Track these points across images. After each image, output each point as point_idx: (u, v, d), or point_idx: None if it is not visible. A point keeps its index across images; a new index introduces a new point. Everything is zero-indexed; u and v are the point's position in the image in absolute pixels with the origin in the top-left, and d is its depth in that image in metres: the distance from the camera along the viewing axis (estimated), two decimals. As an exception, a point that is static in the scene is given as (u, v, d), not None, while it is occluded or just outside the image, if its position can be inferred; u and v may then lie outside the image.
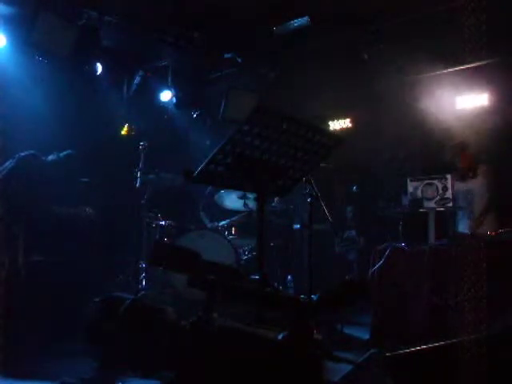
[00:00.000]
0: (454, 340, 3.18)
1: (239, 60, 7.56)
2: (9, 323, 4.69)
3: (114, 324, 2.12)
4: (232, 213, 7.35)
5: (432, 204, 5.41)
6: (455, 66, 7.29)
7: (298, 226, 7.39)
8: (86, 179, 6.22)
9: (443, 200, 5.39)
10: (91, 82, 7.00)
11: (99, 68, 6.89)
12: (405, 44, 6.78)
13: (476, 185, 5.88)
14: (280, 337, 1.82)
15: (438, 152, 7.29)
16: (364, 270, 5.08)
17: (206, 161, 2.71)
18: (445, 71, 7.42)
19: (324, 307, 1.88)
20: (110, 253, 6.67)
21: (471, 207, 5.91)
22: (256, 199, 2.99)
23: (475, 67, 7.14)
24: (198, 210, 7.50)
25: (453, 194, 5.33)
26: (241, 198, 6.86)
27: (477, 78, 7.28)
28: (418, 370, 2.80)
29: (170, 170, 6.89)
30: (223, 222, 7.21)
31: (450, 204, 5.36)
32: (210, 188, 7.31)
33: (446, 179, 5.44)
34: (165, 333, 2.07)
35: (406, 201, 5.76)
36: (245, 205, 6.91)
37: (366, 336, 5.47)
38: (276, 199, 7.03)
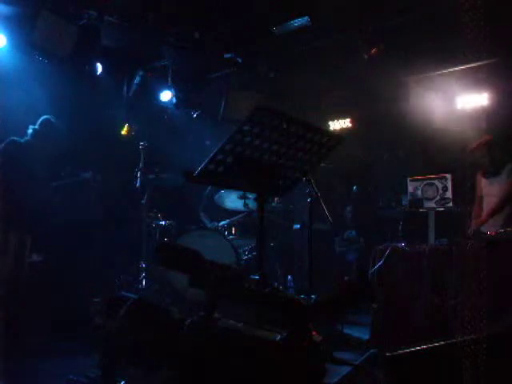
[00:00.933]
0: (454, 340, 3.18)
1: (239, 60, 7.56)
2: (10, 323, 4.69)
3: (117, 323, 2.12)
4: (232, 213, 7.34)
5: (432, 204, 5.41)
6: (455, 66, 7.29)
7: (298, 226, 7.39)
8: (87, 174, 6.20)
9: (443, 200, 5.39)
10: (91, 81, 6.99)
11: (99, 68, 6.89)
12: (405, 44, 6.78)
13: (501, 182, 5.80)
14: (278, 338, 1.82)
15: (438, 152, 7.29)
16: (364, 270, 5.06)
17: (206, 161, 2.71)
18: (445, 71, 7.42)
19: (324, 308, 1.88)
20: (110, 253, 6.67)
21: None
22: (256, 199, 2.99)
23: (475, 67, 7.14)
24: (197, 210, 7.50)
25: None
26: (241, 198, 6.85)
27: (477, 77, 7.28)
28: (418, 370, 2.80)
29: (170, 170, 6.89)
30: (223, 222, 7.20)
31: (450, 204, 5.36)
32: (209, 188, 7.31)
33: (446, 179, 5.44)
34: (168, 332, 2.07)
35: (405, 201, 5.75)
36: (245, 205, 6.90)
37: (366, 336, 5.46)
38: (276, 199, 7.02)
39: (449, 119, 7.44)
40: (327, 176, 6.99)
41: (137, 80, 7.90)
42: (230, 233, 7.23)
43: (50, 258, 5.78)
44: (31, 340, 4.98)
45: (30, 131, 5.61)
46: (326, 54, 7.25)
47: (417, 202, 5.47)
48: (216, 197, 7.28)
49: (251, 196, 6.63)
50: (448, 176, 5.44)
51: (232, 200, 7.18)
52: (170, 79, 7.82)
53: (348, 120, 8.78)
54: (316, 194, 5.05)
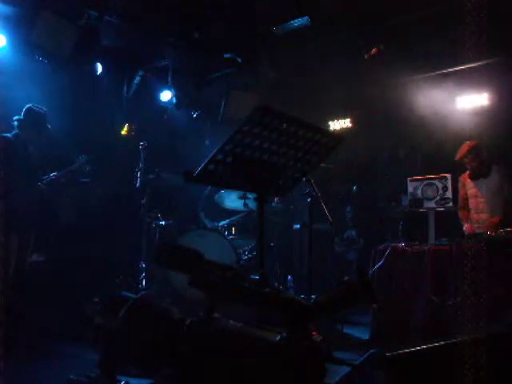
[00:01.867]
0: (455, 340, 3.18)
1: (239, 60, 7.55)
2: (9, 323, 4.68)
3: (117, 323, 2.11)
4: (232, 213, 7.35)
5: (432, 204, 5.41)
6: (455, 66, 7.30)
7: (298, 225, 7.39)
8: (86, 179, 6.20)
9: (443, 200, 5.39)
10: (91, 81, 6.99)
11: (99, 68, 6.89)
12: (405, 44, 6.78)
13: (489, 184, 5.83)
14: (278, 338, 1.81)
15: (438, 152, 7.29)
16: (364, 270, 5.06)
17: (206, 161, 2.70)
18: (445, 71, 7.42)
19: (324, 308, 1.87)
20: (110, 253, 6.67)
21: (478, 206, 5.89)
22: (256, 199, 2.98)
23: (475, 67, 7.14)
24: (197, 210, 7.50)
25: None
26: (241, 198, 6.85)
27: (477, 77, 7.28)
28: (418, 370, 2.79)
29: (170, 169, 6.89)
30: (223, 222, 7.20)
31: (450, 204, 5.36)
32: (209, 188, 7.31)
33: (446, 179, 5.43)
34: (168, 332, 2.06)
35: (405, 201, 5.75)
36: (245, 205, 6.90)
37: (367, 336, 5.47)
38: (276, 199, 7.03)
39: (449, 119, 7.44)
40: (327, 176, 6.99)
41: (137, 80, 7.91)
42: (230, 233, 7.23)
43: (51, 258, 5.78)
44: (31, 340, 4.98)
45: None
46: (326, 53, 7.25)
47: (417, 201, 5.47)
48: (216, 197, 7.28)
49: (251, 196, 6.63)
50: (448, 176, 5.44)
51: (232, 200, 7.18)
52: (169, 79, 7.82)
53: (348, 120, 8.79)
54: (316, 194, 5.06)
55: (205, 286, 2.06)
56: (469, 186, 5.98)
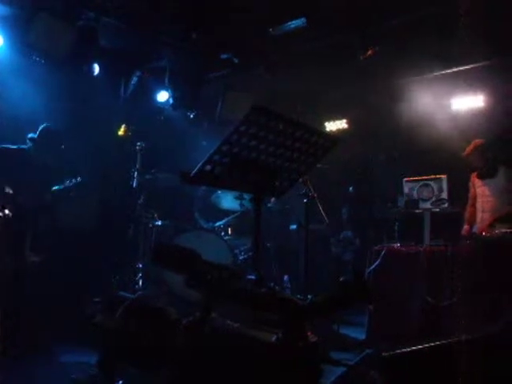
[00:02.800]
0: (450, 340, 3.19)
1: (236, 60, 7.55)
2: (11, 322, 4.68)
3: (115, 322, 2.11)
4: (228, 213, 7.35)
5: (428, 205, 5.43)
6: (451, 68, 7.32)
7: (295, 226, 7.40)
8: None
9: (439, 201, 5.42)
10: (88, 82, 6.98)
11: (96, 68, 6.87)
12: (401, 45, 6.80)
13: (495, 184, 5.83)
14: (274, 338, 1.82)
15: (433, 153, 7.31)
16: (360, 271, 5.07)
17: (203, 161, 2.70)
18: (441, 73, 7.44)
19: (320, 308, 1.88)
20: (107, 253, 6.66)
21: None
22: (252, 200, 2.99)
23: (471, 69, 7.17)
24: (193, 211, 7.49)
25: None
26: (237, 198, 6.86)
27: (472, 79, 7.31)
28: (413, 370, 2.80)
29: (167, 170, 6.88)
30: (220, 223, 7.20)
31: (446, 205, 5.38)
32: (203, 188, 7.30)
33: (442, 180, 5.46)
34: (165, 332, 2.07)
35: (401, 201, 5.77)
36: (241, 205, 6.91)
37: (363, 336, 5.48)
38: (272, 200, 7.04)
39: (444, 120, 7.45)
40: (324, 177, 6.99)
41: (134, 81, 7.89)
42: (226, 233, 7.23)
43: (49, 259, 5.76)
44: (32, 340, 4.98)
45: (28, 142, 5.55)
46: (322, 55, 7.25)
47: (412, 202, 5.50)
48: (213, 197, 7.28)
49: (247, 196, 6.63)
50: (444, 177, 5.47)
51: (228, 200, 7.18)
52: (166, 80, 7.81)
53: (344, 121, 8.80)
54: (312, 194, 5.07)
55: (201, 286, 2.07)
56: (477, 185, 6.01)
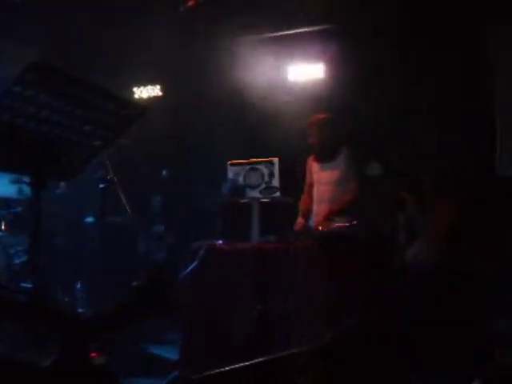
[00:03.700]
0: (281, 354, 3.33)
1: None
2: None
3: None
4: (2, 202, 7.02)
5: (256, 193, 5.56)
6: (287, 30, 7.62)
7: (91, 219, 7.26)
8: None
9: (269, 189, 5.55)
10: None
11: None
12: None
13: (333, 169, 6.04)
14: (48, 362, 1.76)
15: (265, 130, 7.57)
16: (157, 272, 5.09)
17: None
18: (274, 35, 7.71)
19: (107, 321, 1.86)
20: None
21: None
22: (31, 184, 2.87)
23: (311, 32, 7.52)
24: None
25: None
26: (14, 182, 6.57)
27: (311, 45, 7.67)
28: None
29: None
30: (-9, 215, 6.87)
31: (277, 194, 5.52)
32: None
33: (273, 164, 5.59)
34: None
35: (226, 189, 5.87)
36: (20, 192, 6.64)
37: (176, 356, 5.52)
38: (62, 184, 6.83)
39: (279, 92, 7.75)
40: (128, 156, 6.93)
41: None
42: (-2, 228, 6.91)
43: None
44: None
45: None
46: (134, 4, 7.19)
47: (238, 190, 5.59)
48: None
49: (28, 180, 6.36)
50: (275, 160, 5.60)
51: (3, 185, 6.85)
52: None
53: (158, 88, 8.79)
54: (111, 178, 4.98)
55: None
56: (314, 170, 6.17)
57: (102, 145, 3.11)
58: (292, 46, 7.81)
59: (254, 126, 7.83)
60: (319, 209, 6.01)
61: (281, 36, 7.77)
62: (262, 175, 5.57)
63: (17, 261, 6.43)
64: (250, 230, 5.46)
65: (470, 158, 6.71)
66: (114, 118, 2.95)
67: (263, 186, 5.56)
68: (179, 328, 5.59)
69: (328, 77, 7.87)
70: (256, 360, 3.12)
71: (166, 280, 3.89)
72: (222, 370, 2.78)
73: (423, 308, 4.86)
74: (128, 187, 5.47)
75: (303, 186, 6.34)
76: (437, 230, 5.51)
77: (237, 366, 3.03)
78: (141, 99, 8.65)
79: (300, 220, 6.09)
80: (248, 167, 5.61)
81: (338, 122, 6.25)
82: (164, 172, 8.64)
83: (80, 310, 5.18)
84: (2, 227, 6.93)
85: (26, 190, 6.52)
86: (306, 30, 7.58)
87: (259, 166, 5.59)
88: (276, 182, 5.54)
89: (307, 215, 6.17)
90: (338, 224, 5.38)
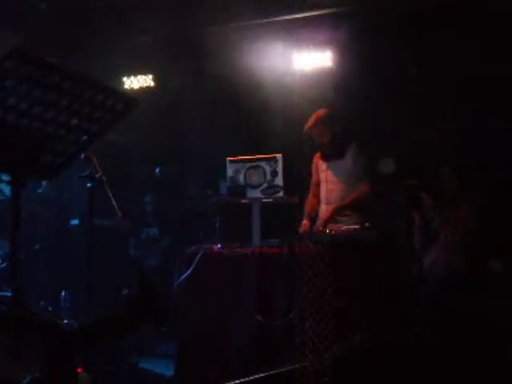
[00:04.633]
0: (287, 368, 3.34)
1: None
2: None
3: None
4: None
5: (257, 193, 5.56)
6: (291, 14, 7.60)
7: (77, 221, 7.25)
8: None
9: (272, 188, 5.55)
10: None
11: None
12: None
13: (342, 167, 6.00)
14: (28, 380, 1.76)
15: (268, 125, 7.56)
16: (147, 279, 5.06)
17: None
18: (277, 19, 7.69)
19: (94, 333, 1.85)
20: None
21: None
22: (10, 183, 2.87)
23: (316, 17, 7.50)
24: None
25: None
26: (-8, 181, 6.55)
27: (318, 31, 7.65)
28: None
29: None
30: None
31: (281, 193, 5.51)
32: None
33: (277, 161, 5.57)
34: None
35: (224, 188, 5.85)
36: (-2, 191, 6.64)
37: (171, 371, 5.51)
38: (44, 183, 6.82)
39: (282, 82, 7.74)
40: (118, 152, 6.94)
41: None
42: (-26, 232, 6.90)
43: None
44: None
45: None
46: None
47: (238, 189, 5.58)
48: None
49: (6, 178, 6.36)
50: (279, 157, 5.59)
51: (-21, 184, 6.84)
52: None
53: (150, 77, 8.77)
54: (100, 176, 4.96)
55: None
56: (321, 169, 6.15)
57: (89, 140, 3.12)
58: (297, 31, 7.79)
59: (255, 120, 7.82)
60: (326, 210, 5.99)
61: (284, 21, 7.74)
62: (264, 173, 5.55)
63: (-3, 267, 6.44)
64: (251, 233, 5.45)
65: (495, 155, 6.68)
66: (101, 110, 2.95)
67: (265, 185, 5.54)
68: (173, 340, 5.57)
69: (336, 65, 7.85)
70: (257, 376, 3.12)
71: (158, 288, 3.89)
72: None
73: (442, 321, 4.86)
74: (118, 186, 5.45)
75: (309, 185, 6.33)
76: (457, 234, 5.51)
77: (236, 382, 3.03)
78: (131, 90, 8.64)
79: (305, 222, 6.05)
80: (249, 164, 5.59)
81: (346, 114, 6.24)
82: (157, 170, 8.64)
83: (65, 321, 5.15)
84: (-21, 231, 6.94)
85: (6, 189, 6.52)
86: (311, 13, 7.54)
87: (261, 163, 5.57)
88: (279, 181, 5.52)
89: (313, 217, 6.14)
90: (348, 226, 5.38)
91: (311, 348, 4.34)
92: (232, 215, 5.68)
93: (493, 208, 5.74)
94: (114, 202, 4.94)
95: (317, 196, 6.20)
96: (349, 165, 5.91)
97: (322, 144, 6.06)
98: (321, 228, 5.43)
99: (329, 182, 6.05)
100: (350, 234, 5.22)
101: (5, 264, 6.44)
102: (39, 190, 6.90)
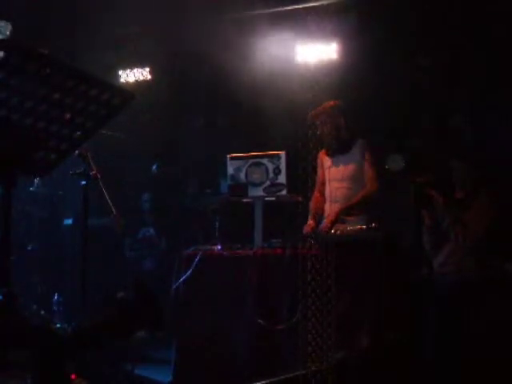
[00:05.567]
0: (290, 375, 3.34)
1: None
2: None
3: None
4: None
5: (260, 191, 5.55)
6: (294, 4, 7.60)
7: (70, 220, 7.24)
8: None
9: (275, 186, 5.54)
10: None
11: None
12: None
13: (348, 162, 5.95)
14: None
15: (270, 120, 7.55)
16: (143, 283, 5.06)
17: None
18: (280, 9, 7.68)
19: (88, 338, 1.84)
20: None
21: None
22: (0, 181, 2.86)
23: (320, 7, 7.49)
24: None
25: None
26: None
27: (322, 22, 7.63)
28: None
29: None
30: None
31: (284, 192, 5.50)
32: None
33: (280, 158, 5.56)
34: None
35: (225, 187, 5.84)
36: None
37: (169, 378, 5.50)
38: (36, 181, 6.83)
39: (286, 75, 7.72)
40: (114, 149, 6.92)
41: None
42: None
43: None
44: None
45: None
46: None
47: (239, 188, 5.57)
48: None
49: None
50: (282, 154, 5.59)
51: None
52: None
53: (147, 70, 8.76)
54: (94, 174, 4.96)
55: None
56: (326, 165, 6.09)
57: (83, 136, 3.10)
58: (300, 22, 7.77)
59: (257, 115, 7.80)
60: (332, 209, 5.95)
61: (287, 11, 7.73)
62: (267, 171, 5.54)
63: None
64: (252, 233, 5.45)
65: (509, 152, 6.64)
66: (96, 105, 2.93)
67: (268, 183, 5.54)
68: (171, 346, 5.57)
69: (342, 57, 7.84)
70: (258, 383, 3.12)
71: (155, 291, 3.88)
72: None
73: (451, 326, 4.85)
74: (113, 184, 5.45)
75: (314, 182, 6.30)
76: (468, 234, 5.49)
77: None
78: (127, 84, 8.64)
79: (310, 222, 5.98)
80: (250, 162, 5.58)
81: (353, 109, 6.20)
82: (154, 167, 8.64)
83: (57, 325, 5.14)
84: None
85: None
86: (316, 3, 7.54)
87: (263, 161, 5.57)
88: (282, 179, 5.52)
89: (319, 216, 6.09)
90: (354, 227, 5.37)
91: (315, 353, 4.34)
92: (233, 215, 5.69)
93: (506, 208, 5.71)
94: (109, 201, 4.94)
95: (322, 194, 6.15)
96: (355, 161, 5.87)
97: (324, 135, 6.00)
98: (327, 229, 5.40)
99: (334, 180, 5.99)
100: (355, 234, 5.21)
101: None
102: (31, 189, 6.89)
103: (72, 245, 7.26)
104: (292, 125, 7.01)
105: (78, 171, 5.02)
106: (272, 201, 5.54)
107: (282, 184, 5.51)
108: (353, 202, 5.74)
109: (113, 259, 7.70)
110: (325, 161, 6.11)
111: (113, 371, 5.46)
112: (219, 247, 5.45)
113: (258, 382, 3.20)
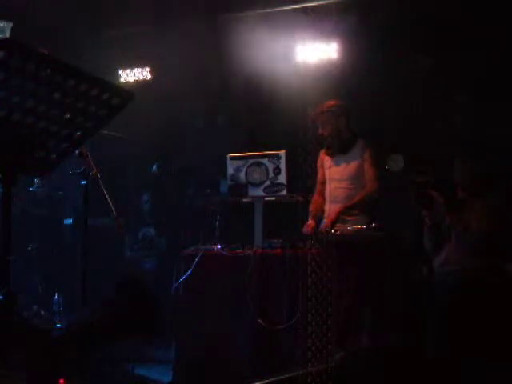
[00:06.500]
0: (291, 374, 3.34)
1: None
2: None
3: None
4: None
5: (260, 191, 5.55)
6: (294, 3, 7.59)
7: (70, 220, 7.23)
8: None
9: (275, 186, 5.53)
10: None
11: None
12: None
13: (348, 162, 5.96)
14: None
15: (270, 119, 7.55)
16: (139, 282, 5.05)
17: None
18: (279, 9, 7.68)
19: (79, 338, 1.83)
20: None
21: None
22: (1, 180, 2.86)
23: (320, 6, 7.49)
24: None
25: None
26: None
27: (323, 21, 7.63)
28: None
29: None
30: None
31: (284, 192, 5.49)
32: None
33: (280, 158, 5.56)
34: None
35: (225, 187, 5.84)
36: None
37: (169, 378, 5.51)
38: (36, 181, 6.82)
39: (286, 75, 7.72)
40: (114, 148, 6.91)
41: None
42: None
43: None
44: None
45: None
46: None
47: (239, 188, 5.57)
48: None
49: (-1, 175, 6.38)
50: (282, 153, 5.59)
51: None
52: None
53: (148, 70, 8.77)
54: (94, 173, 4.96)
55: None
56: (327, 165, 6.11)
57: (83, 136, 3.10)
58: (300, 21, 7.77)
59: (257, 115, 7.81)
60: (332, 209, 5.95)
61: (286, 11, 7.73)
62: (267, 170, 5.54)
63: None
64: (253, 233, 5.45)
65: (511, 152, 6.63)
66: (96, 105, 2.93)
67: (268, 182, 5.53)
68: (170, 345, 5.57)
69: (342, 57, 7.84)
70: (258, 383, 3.12)
71: (155, 292, 3.88)
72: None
73: (451, 326, 4.85)
74: (113, 184, 5.45)
75: (314, 182, 6.30)
76: (469, 234, 5.49)
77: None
78: (127, 84, 8.64)
79: (310, 222, 5.99)
80: (250, 161, 5.58)
81: (354, 109, 6.20)
82: (154, 167, 8.64)
83: (57, 325, 5.13)
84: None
85: (-3, 186, 6.52)
86: (316, 3, 7.54)
87: (263, 160, 5.56)
88: (283, 179, 5.51)
89: (319, 217, 6.10)
90: (354, 227, 5.37)
91: (314, 352, 4.35)
92: (233, 215, 5.68)
93: (508, 207, 5.71)
94: (109, 201, 4.94)
95: (322, 194, 6.15)
96: (357, 160, 5.88)
97: (324, 135, 6.00)
98: (327, 229, 5.40)
99: (334, 180, 6.00)
100: (355, 234, 5.21)
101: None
102: (31, 188, 6.89)
103: (72, 245, 7.26)
104: (292, 125, 7.00)
105: (77, 171, 5.02)
106: (272, 201, 5.54)
107: (282, 184, 5.50)
108: (353, 202, 5.75)
109: (113, 259, 7.70)
110: (325, 161, 6.12)
111: (112, 371, 5.46)
112: (219, 247, 5.44)
113: (258, 382, 3.19)
